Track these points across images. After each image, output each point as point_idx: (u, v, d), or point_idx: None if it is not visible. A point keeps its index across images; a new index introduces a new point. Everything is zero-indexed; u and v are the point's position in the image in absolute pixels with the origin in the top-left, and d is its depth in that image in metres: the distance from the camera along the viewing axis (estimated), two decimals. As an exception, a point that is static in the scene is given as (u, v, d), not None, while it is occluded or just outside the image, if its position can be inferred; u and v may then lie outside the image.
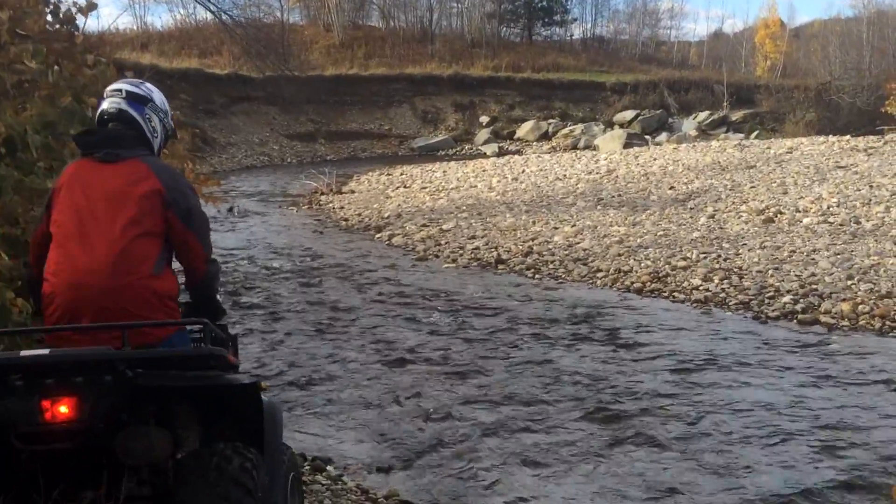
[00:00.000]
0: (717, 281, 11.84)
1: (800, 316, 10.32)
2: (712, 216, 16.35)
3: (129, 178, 3.40)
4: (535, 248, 14.79)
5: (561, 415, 7.29)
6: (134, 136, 3.56)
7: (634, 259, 13.36)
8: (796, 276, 11.63)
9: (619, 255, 13.71)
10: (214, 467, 3.15)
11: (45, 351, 2.95)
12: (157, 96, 3.70)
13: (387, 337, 9.83)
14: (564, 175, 23.91)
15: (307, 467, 6.04)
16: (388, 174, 29.56)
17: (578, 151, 34.63)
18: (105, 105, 3.61)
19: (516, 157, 32.67)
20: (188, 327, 3.69)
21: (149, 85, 3.73)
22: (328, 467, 6.14)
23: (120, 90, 3.61)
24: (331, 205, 22.96)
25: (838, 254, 12.48)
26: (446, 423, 7.11)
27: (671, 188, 19.99)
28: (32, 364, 2.92)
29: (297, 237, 17.97)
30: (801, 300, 10.72)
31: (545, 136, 45.17)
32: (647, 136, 41.50)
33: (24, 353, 2.95)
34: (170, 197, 3.44)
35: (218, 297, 3.85)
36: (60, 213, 3.38)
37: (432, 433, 6.87)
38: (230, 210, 22.10)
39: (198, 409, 3.42)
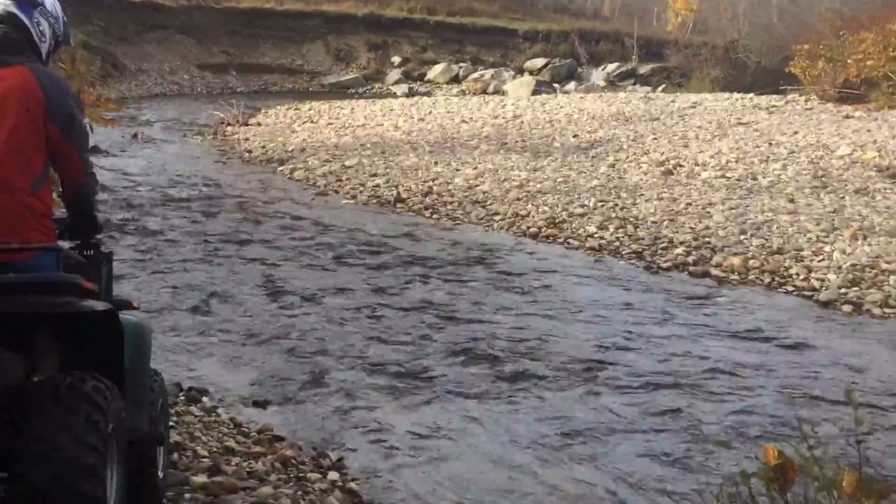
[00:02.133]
0: (612, 229, 11.92)
1: (691, 268, 10.46)
2: (613, 165, 16.46)
3: (10, 87, 3.22)
4: (435, 188, 14.68)
5: (444, 356, 7.23)
6: (21, 40, 3.38)
7: (533, 204, 13.36)
8: (690, 228, 11.78)
9: (518, 199, 13.69)
10: (65, 392, 3.02)
11: None
12: (48, 1, 3.52)
13: (277, 271, 9.63)
14: (471, 118, 23.78)
15: (182, 397, 5.85)
16: (297, 109, 28.95)
17: (487, 96, 34.49)
18: None
19: (425, 98, 32.36)
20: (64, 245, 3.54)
21: None
22: (204, 398, 5.96)
23: None
24: (236, 136, 22.41)
25: (733, 208, 12.70)
26: (329, 359, 6.99)
27: (575, 136, 20.07)
28: None
29: (199, 167, 17.49)
30: (694, 252, 10.87)
31: (455, 80, 44.83)
32: (556, 85, 41.53)
33: None
34: (51, 107, 3.26)
35: (96, 213, 3.68)
36: None
37: (314, 369, 6.74)
38: (134, 136, 21.49)
39: (55, 335, 3.30)
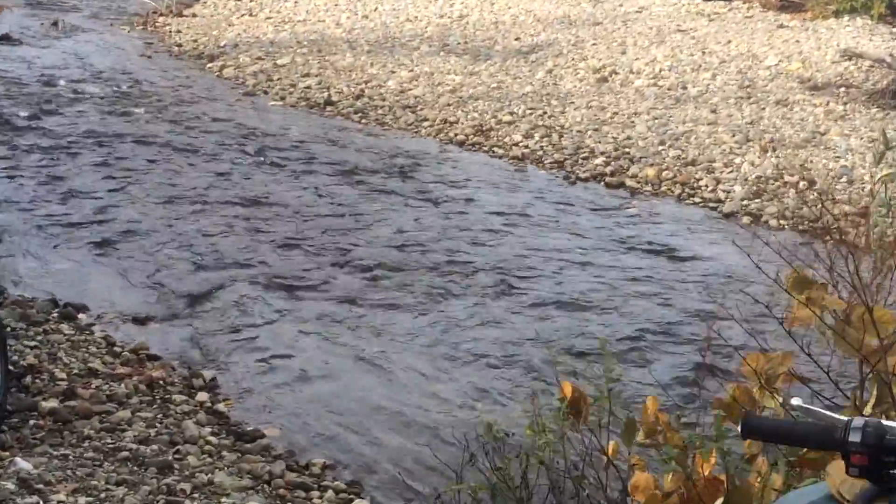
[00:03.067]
0: (537, 138, 11.86)
1: (608, 178, 10.49)
2: (550, 71, 16.26)
3: None
4: (367, 91, 14.42)
5: (343, 270, 7.24)
6: None
7: (463, 110, 13.21)
8: (613, 138, 11.76)
9: (449, 105, 13.53)
10: None
11: None
12: None
13: (182, 178, 9.45)
14: (416, 17, 23.21)
15: (56, 314, 5.79)
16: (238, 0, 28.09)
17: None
18: None
19: (374, -8, 31.50)
20: None
21: None
22: (80, 315, 5.90)
23: None
24: (168, 28, 21.64)
25: (657, 118, 12.66)
26: (223, 273, 6.96)
27: (517, 39, 19.73)
28: None
29: (122, 60, 16.91)
30: (613, 163, 10.88)
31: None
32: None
33: None
34: None
35: None
36: None
37: (205, 284, 6.71)
38: (54, 24, 20.53)
39: None
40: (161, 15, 23.49)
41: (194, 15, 23.93)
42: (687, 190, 10.11)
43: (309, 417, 4.82)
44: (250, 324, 6.06)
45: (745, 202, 9.56)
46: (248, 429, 4.52)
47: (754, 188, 9.83)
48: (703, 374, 2.70)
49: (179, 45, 19.07)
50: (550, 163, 11.07)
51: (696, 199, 9.88)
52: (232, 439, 4.34)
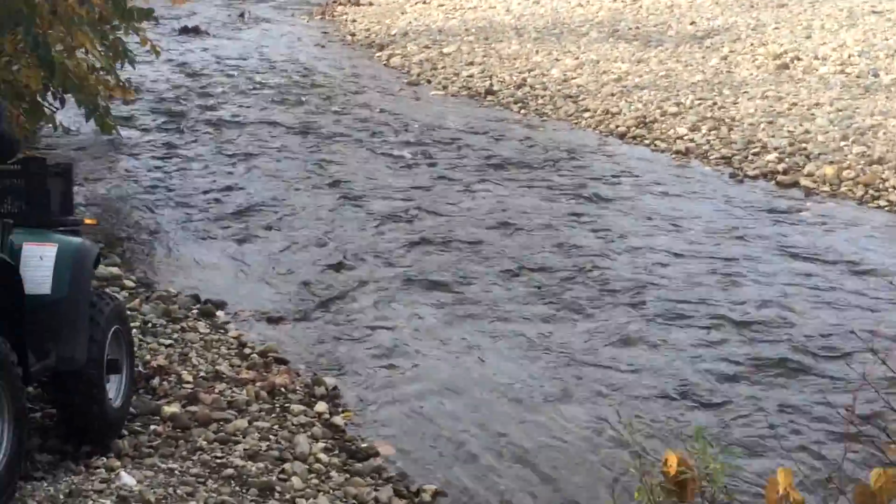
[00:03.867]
0: (704, 131, 11.23)
1: (780, 177, 9.77)
2: (725, 58, 15.43)
3: None
4: (529, 80, 14.12)
5: (486, 270, 6.99)
6: None
7: (626, 100, 12.69)
8: (789, 132, 10.97)
9: (612, 94, 13.04)
10: None
11: None
12: None
13: (337, 171, 9.50)
14: (588, 1, 22.67)
15: (195, 311, 5.85)
16: (415, -13, 28.32)
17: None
18: None
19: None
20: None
21: None
22: (219, 312, 5.95)
23: None
24: (345, 17, 22.09)
25: (841, 110, 11.72)
26: (364, 271, 6.86)
27: (692, 23, 18.87)
28: None
29: (298, 50, 17.33)
30: (787, 159, 10.14)
31: (587, -45, 42.81)
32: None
33: None
34: None
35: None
36: None
37: (345, 282, 6.63)
38: (241, 16, 21.40)
39: None
40: (339, 4, 24.00)
41: (371, 3, 24.29)
42: (871, 192, 9.27)
43: (428, 437, 4.62)
44: (382, 327, 5.93)
45: (940, 210, 8.68)
46: (362, 445, 4.37)
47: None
48: (846, 449, 2.27)
49: (353, 34, 19.38)
50: (717, 158, 10.44)
51: (882, 203, 9.03)
52: (344, 457, 4.20)
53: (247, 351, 5.32)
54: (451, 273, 6.95)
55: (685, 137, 11.11)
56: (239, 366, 5.03)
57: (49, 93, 8.53)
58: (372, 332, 5.87)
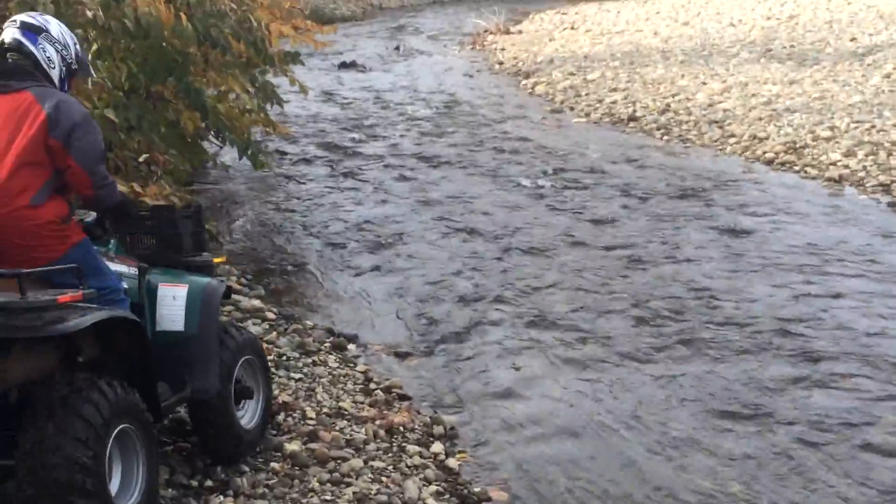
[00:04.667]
0: (860, 156, 10.70)
1: (943, 206, 9.22)
2: (888, 76, 14.67)
3: (14, 110, 3.46)
4: (672, 105, 13.88)
5: (615, 311, 6.82)
6: (29, 65, 3.61)
7: (775, 125, 12.26)
8: (955, 156, 10.33)
9: (760, 118, 12.62)
10: (61, 391, 3.19)
11: None
12: (55, 28, 3.70)
13: (472, 205, 9.53)
14: (740, 20, 22.09)
15: (328, 344, 6.02)
16: (564, 13, 28.34)
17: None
18: (3, 35, 3.68)
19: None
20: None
21: (48, 17, 3.76)
22: (350, 346, 6.10)
23: (15, 20, 3.66)
24: (494, 46, 22.40)
25: None
26: (492, 307, 6.86)
27: (852, 39, 18.07)
28: None
29: (447, 80, 17.70)
30: (950, 186, 9.55)
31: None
32: (858, -27, 37.43)
33: None
34: (52, 123, 3.45)
35: (125, 205, 3.94)
36: None
37: (472, 319, 6.65)
38: (396, 48, 22.16)
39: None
40: (490, 33, 24.40)
41: (520, 32, 24.60)
42: None
43: (543, 482, 4.53)
44: (506, 366, 5.91)
45: None
46: (475, 490, 4.36)
47: None
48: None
49: (501, 63, 19.63)
50: (873, 186, 9.92)
51: None
52: (455, 502, 4.21)
53: (372, 386, 5.42)
54: (580, 311, 6.85)
55: (839, 163, 10.62)
56: (362, 402, 5.12)
57: (210, 133, 9.12)
58: (496, 370, 5.86)
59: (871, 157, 10.64)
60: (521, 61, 19.44)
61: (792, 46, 18.04)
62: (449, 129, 13.25)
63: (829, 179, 10.27)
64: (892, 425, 5.15)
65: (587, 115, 14.12)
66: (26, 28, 3.63)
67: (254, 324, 6.14)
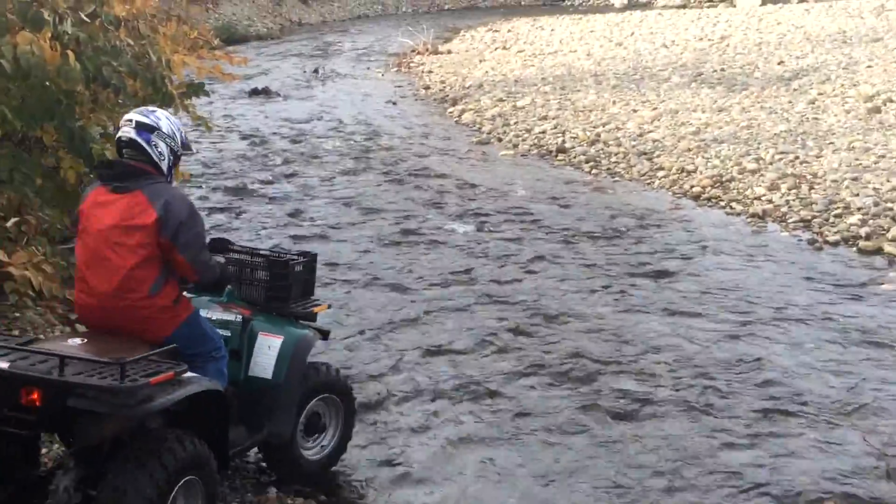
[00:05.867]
0: (784, 190, 10.60)
1: (861, 242, 9.10)
2: (813, 102, 14.71)
3: (131, 212, 4.00)
4: (603, 135, 13.69)
5: (522, 370, 6.50)
6: (142, 162, 4.11)
7: (703, 156, 12.14)
8: (875, 189, 10.25)
9: (689, 150, 12.49)
10: (133, 457, 3.72)
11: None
12: (165, 124, 4.19)
13: (391, 254, 9.11)
14: (673, 41, 22.12)
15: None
16: (496, 31, 28.25)
17: (707, 9, 32.04)
18: (120, 133, 4.18)
19: (636, 13, 30.46)
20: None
21: (158, 114, 4.24)
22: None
23: (131, 120, 4.15)
24: (421, 67, 22.07)
25: (934, 162, 10.95)
26: (401, 375, 6.50)
27: (780, 63, 18.15)
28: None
29: (369, 109, 17.29)
30: (870, 221, 9.44)
31: (680, -14, 42.01)
32: (791, -11, 37.92)
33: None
34: (162, 223, 3.98)
35: (224, 279, 4.52)
36: (81, 241, 4.14)
37: (378, 388, 6.28)
38: (315, 71, 21.53)
39: None
40: (418, 53, 24.00)
41: (449, 51, 24.29)
42: (965, 259, 8.54)
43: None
44: (412, 441, 5.59)
45: None
46: None
47: None
48: None
49: (427, 88, 19.28)
50: (795, 222, 9.80)
51: (977, 273, 8.31)
52: None
53: (264, 479, 5.04)
54: (490, 372, 6.55)
55: (763, 198, 10.51)
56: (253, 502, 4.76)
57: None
58: (399, 444, 5.53)
59: (793, 191, 10.55)
60: (448, 86, 19.14)
61: (722, 70, 18.05)
62: (368, 166, 12.81)
63: (754, 215, 10.14)
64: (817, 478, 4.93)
65: (515, 146, 13.87)
66: (140, 127, 4.11)
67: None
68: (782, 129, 13.06)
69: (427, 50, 24.08)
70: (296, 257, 5.05)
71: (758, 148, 12.23)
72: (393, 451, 5.46)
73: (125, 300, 3.96)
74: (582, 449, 5.51)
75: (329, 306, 5.53)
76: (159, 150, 4.14)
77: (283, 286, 4.80)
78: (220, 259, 4.69)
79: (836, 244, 9.18)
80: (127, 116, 4.22)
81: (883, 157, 11.35)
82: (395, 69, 22.28)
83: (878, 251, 8.92)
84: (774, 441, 5.57)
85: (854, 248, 9.06)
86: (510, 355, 6.81)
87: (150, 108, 4.47)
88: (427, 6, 39.83)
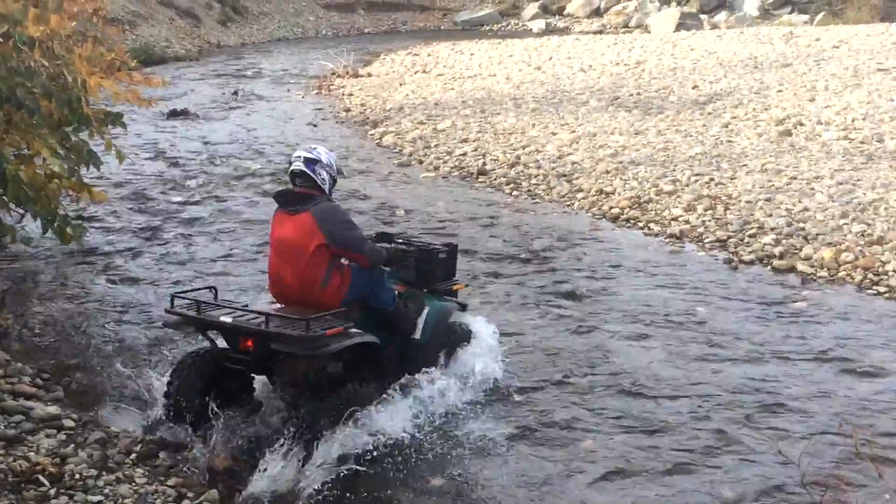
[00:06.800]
0: (700, 211, 10.80)
1: (775, 261, 9.31)
2: (726, 125, 15.06)
3: (302, 230, 5.60)
4: (523, 158, 13.78)
5: (462, 395, 6.49)
6: (309, 187, 5.71)
7: (621, 178, 12.30)
8: (787, 210, 10.52)
9: (607, 172, 12.65)
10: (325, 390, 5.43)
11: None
12: (324, 157, 5.79)
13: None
14: (590, 66, 22.46)
15: (135, 453, 5.40)
16: (416, 54, 28.32)
17: (623, 35, 32.76)
18: (292, 167, 5.79)
19: (554, 38, 30.93)
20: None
21: (319, 150, 5.83)
22: (162, 453, 5.47)
23: (300, 156, 5.74)
24: (342, 90, 21.99)
25: (841, 183, 11.27)
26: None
27: (695, 87, 18.57)
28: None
29: (289, 130, 17.14)
30: (783, 241, 9.67)
31: (597, 13, 42.82)
32: (703, 17, 38.95)
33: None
34: (328, 239, 5.59)
35: (387, 260, 6.01)
36: (271, 247, 5.83)
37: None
38: (234, 94, 21.30)
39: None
40: (338, 76, 23.91)
41: (370, 74, 24.25)
42: (870, 276, 8.78)
43: None
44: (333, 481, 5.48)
45: (941, 294, 8.19)
46: None
47: (953, 275, 8.43)
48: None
49: (347, 110, 19.20)
50: (711, 242, 9.99)
51: (881, 289, 8.55)
52: None
53: (184, 504, 4.88)
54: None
55: (680, 219, 10.69)
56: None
57: (10, 204, 8.17)
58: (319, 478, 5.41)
59: (709, 212, 10.75)
60: (369, 108, 19.10)
61: (638, 94, 18.37)
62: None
63: (671, 236, 10.30)
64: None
65: (436, 168, 13.88)
66: (307, 161, 5.71)
67: (47, 435, 5.48)
68: (697, 152, 13.33)
69: (347, 73, 24.01)
70: (439, 247, 6.64)
71: (674, 170, 12.46)
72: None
73: (305, 292, 5.63)
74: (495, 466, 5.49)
75: (465, 285, 7.21)
76: (321, 177, 5.72)
77: (429, 270, 6.45)
78: (386, 246, 6.31)
79: (751, 263, 9.38)
80: (296, 154, 5.81)
81: (794, 178, 11.65)
82: (316, 92, 22.14)
83: (792, 269, 9.14)
84: (691, 457, 5.63)
85: (768, 267, 9.26)
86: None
87: (312, 145, 5.90)
88: (347, 29, 39.79)
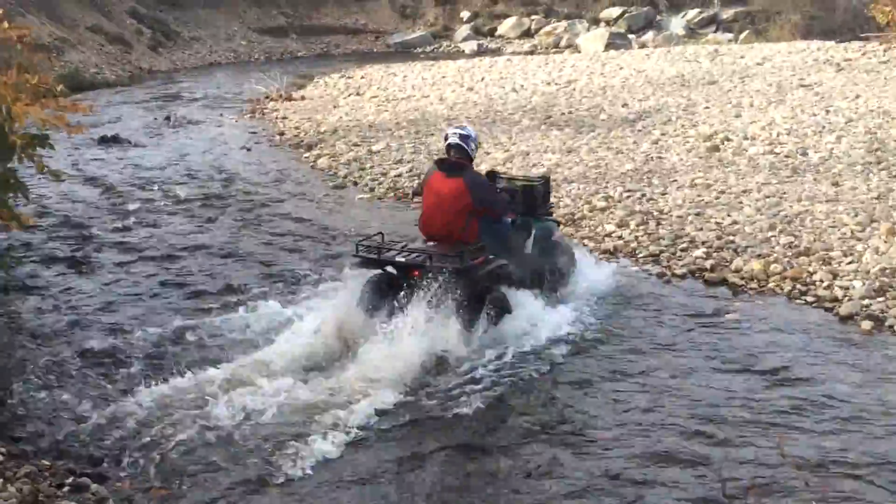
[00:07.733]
0: (632, 227, 10.94)
1: (707, 275, 9.47)
2: (656, 142, 15.32)
3: (455, 192, 7.55)
4: (458, 178, 13.81)
5: (399, 419, 6.50)
6: (461, 157, 7.72)
7: (555, 195, 12.39)
8: (717, 223, 10.71)
9: (541, 190, 12.74)
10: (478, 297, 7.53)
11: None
12: (472, 133, 7.92)
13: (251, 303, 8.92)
14: (522, 86, 22.68)
15: (67, 487, 5.30)
16: (349, 77, 28.32)
17: (553, 55, 33.19)
18: (448, 140, 7.77)
19: (487, 59, 31.20)
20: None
21: (469, 128, 8.02)
22: (94, 486, 5.39)
23: (456, 133, 7.78)
24: (275, 114, 21.88)
25: (769, 196, 11.53)
26: (256, 446, 6.32)
27: (625, 105, 18.85)
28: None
29: (222, 155, 17.00)
30: (714, 254, 9.85)
31: (527, 34, 43.39)
32: (631, 36, 39.70)
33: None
34: (474, 200, 7.56)
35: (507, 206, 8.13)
36: (425, 197, 7.80)
37: (236, 450, 6.09)
38: (167, 119, 21.10)
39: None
40: (271, 100, 23.80)
41: (303, 98, 24.18)
42: (798, 287, 8.98)
43: None
44: None
45: (866, 302, 8.38)
46: None
47: (877, 283, 8.64)
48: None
49: (281, 134, 19.11)
50: (644, 256, 10.12)
51: (809, 298, 8.75)
52: None
53: None
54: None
55: (613, 234, 10.82)
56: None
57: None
58: None
59: (642, 228, 10.89)
60: (303, 131, 19.02)
61: (570, 113, 18.59)
62: (223, 211, 12.59)
63: (605, 251, 10.41)
64: None
65: (371, 190, 13.87)
66: (461, 137, 7.74)
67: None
68: (629, 168, 13.52)
69: (281, 96, 23.91)
70: (538, 180, 8.80)
71: (606, 187, 12.62)
72: None
73: (450, 232, 7.61)
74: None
75: (553, 211, 9.43)
76: (471, 148, 7.77)
77: (533, 198, 8.47)
78: (503, 188, 8.43)
79: (683, 277, 9.52)
80: (452, 130, 7.83)
81: (723, 192, 11.88)
82: (249, 116, 21.99)
83: (723, 282, 9.30)
84: (628, 473, 5.68)
85: (700, 280, 9.41)
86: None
87: (463, 124, 8.61)
88: (280, 53, 39.65)
